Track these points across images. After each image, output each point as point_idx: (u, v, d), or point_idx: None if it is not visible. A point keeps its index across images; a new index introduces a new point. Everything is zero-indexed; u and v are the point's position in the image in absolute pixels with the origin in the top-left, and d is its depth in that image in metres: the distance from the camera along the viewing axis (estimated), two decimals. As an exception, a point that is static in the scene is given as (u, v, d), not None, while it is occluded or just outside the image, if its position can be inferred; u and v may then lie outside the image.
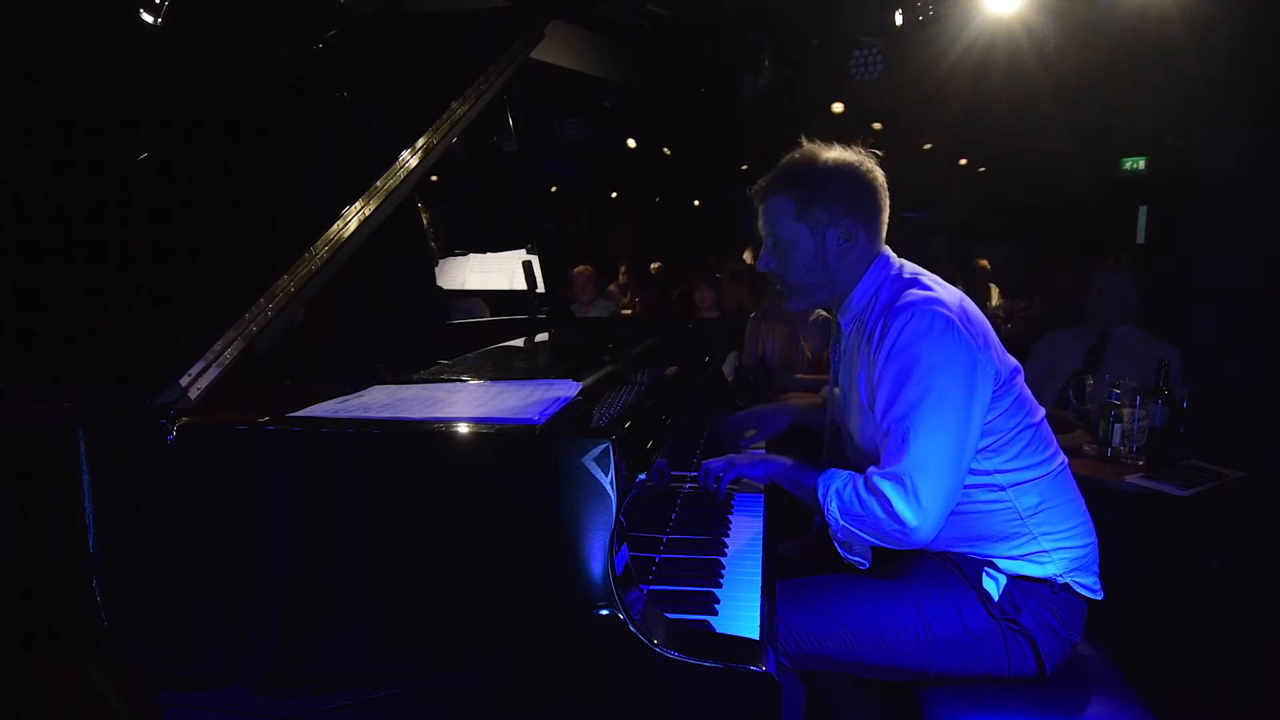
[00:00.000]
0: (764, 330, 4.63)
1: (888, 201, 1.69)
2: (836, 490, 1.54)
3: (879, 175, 1.68)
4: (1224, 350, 3.99)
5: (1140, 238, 6.40)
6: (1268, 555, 2.51)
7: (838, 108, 7.03)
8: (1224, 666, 2.39)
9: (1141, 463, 2.60)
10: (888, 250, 1.71)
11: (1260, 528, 2.54)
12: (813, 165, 1.65)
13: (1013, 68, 5.09)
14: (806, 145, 1.70)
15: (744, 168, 11.11)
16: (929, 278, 1.65)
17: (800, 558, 1.87)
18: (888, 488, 1.46)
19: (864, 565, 1.63)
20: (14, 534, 1.23)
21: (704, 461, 1.80)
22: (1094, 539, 1.65)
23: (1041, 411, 1.66)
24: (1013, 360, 1.63)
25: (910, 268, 1.69)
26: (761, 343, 4.60)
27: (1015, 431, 1.58)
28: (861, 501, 1.49)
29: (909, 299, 1.56)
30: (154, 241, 1.51)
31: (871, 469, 1.52)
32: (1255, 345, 3.88)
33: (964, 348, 1.50)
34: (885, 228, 1.70)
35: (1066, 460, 1.68)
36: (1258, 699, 2.30)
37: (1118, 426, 2.63)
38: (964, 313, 1.55)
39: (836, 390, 1.84)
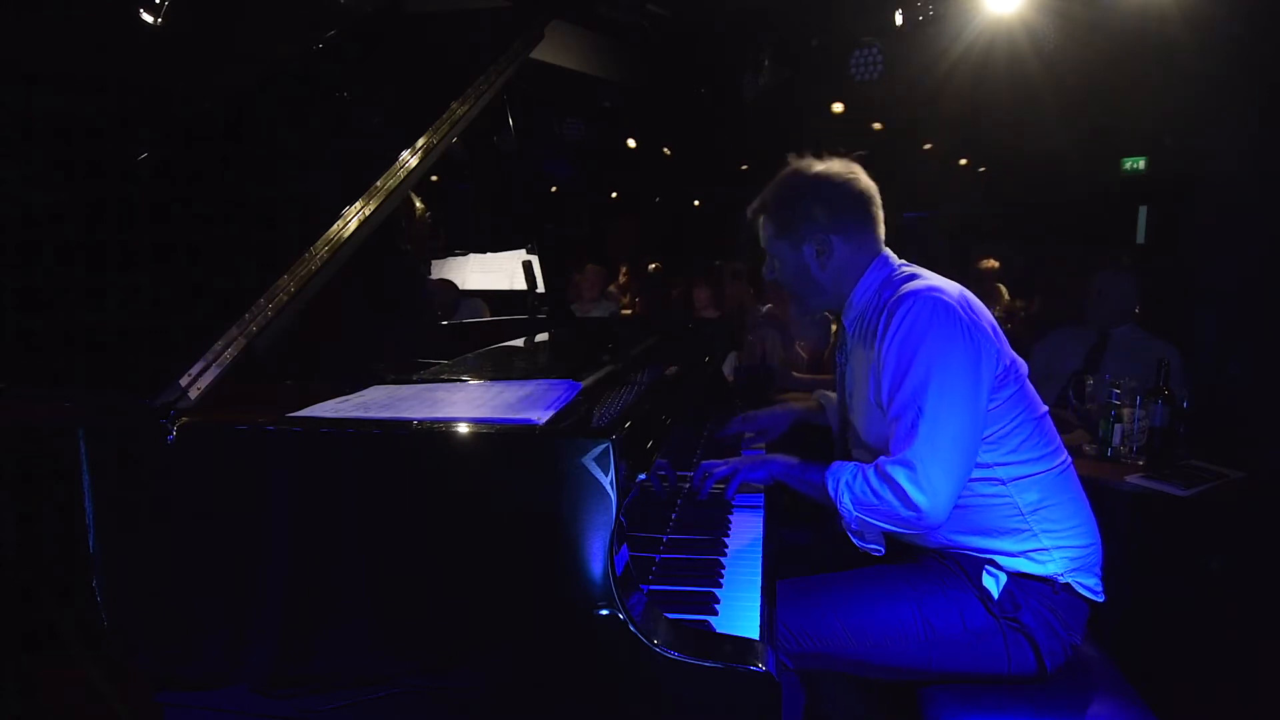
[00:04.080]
0: (763, 330, 4.63)
1: (877, 206, 1.73)
2: (847, 483, 1.55)
3: (862, 182, 1.72)
4: (1224, 350, 3.99)
5: (1140, 238, 6.40)
6: (1268, 555, 2.51)
7: (838, 108, 7.02)
8: (1224, 666, 2.39)
9: (1141, 463, 2.60)
10: (888, 251, 1.75)
11: (1260, 528, 2.54)
12: (790, 186, 1.72)
13: (1013, 68, 5.08)
14: (792, 163, 1.76)
15: (744, 168, 11.10)
16: (930, 274, 1.68)
17: (812, 548, 1.90)
18: (899, 474, 1.48)
19: (879, 552, 1.65)
20: (14, 534, 1.23)
21: (703, 462, 1.81)
22: (1096, 540, 1.65)
23: (1044, 408, 1.68)
24: (1017, 357, 1.65)
25: (911, 267, 1.73)
26: (761, 343, 4.60)
27: (1015, 424, 1.60)
28: (874, 490, 1.51)
29: (908, 289, 1.59)
30: (154, 241, 1.51)
31: (882, 457, 1.54)
32: (1255, 345, 3.87)
33: (964, 332, 1.53)
34: (879, 229, 1.74)
35: (1070, 460, 1.69)
36: (1258, 699, 2.29)
37: (1118, 426, 2.63)
38: (965, 300, 1.59)
39: (844, 393, 1.85)
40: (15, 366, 1.36)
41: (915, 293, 1.57)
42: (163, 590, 1.18)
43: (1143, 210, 6.42)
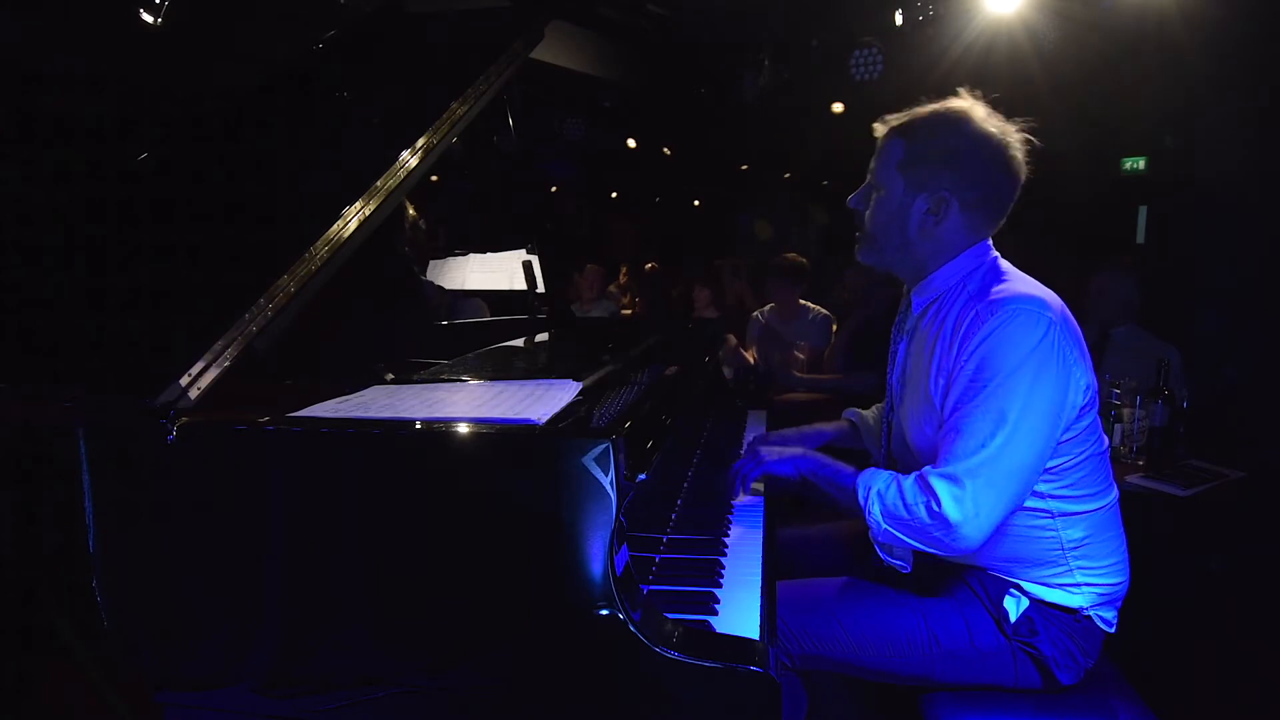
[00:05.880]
0: (764, 330, 4.63)
1: (1015, 194, 1.55)
2: (879, 492, 1.44)
3: (1018, 162, 1.53)
4: (1224, 350, 3.99)
5: (1140, 238, 6.38)
6: (1268, 555, 2.50)
7: (838, 108, 7.02)
8: (1224, 666, 2.39)
9: (1141, 463, 2.60)
10: (989, 240, 1.59)
11: (1260, 528, 2.54)
12: (949, 124, 1.53)
13: (1013, 68, 5.07)
14: (964, 100, 1.56)
15: (744, 168, 11.11)
16: (1026, 278, 1.53)
17: (807, 549, 1.85)
18: (943, 488, 1.36)
19: (905, 569, 1.57)
20: (14, 534, 1.23)
21: (735, 464, 1.78)
22: (1127, 578, 1.56)
23: (1106, 442, 1.57)
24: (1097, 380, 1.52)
25: (1005, 264, 1.57)
26: (761, 343, 4.60)
27: (1082, 458, 1.49)
28: (907, 505, 1.40)
29: (1007, 293, 1.44)
30: (154, 241, 1.51)
31: (928, 467, 1.42)
32: (1255, 345, 3.87)
33: (1061, 358, 1.40)
34: (999, 220, 1.57)
35: (1118, 495, 1.59)
36: (1258, 699, 2.29)
37: (1118, 426, 2.63)
38: (1065, 318, 1.45)
39: (892, 375, 1.73)
40: (15, 366, 1.36)
41: (1013, 300, 1.42)
42: (163, 590, 1.18)
43: (1143, 210, 6.41)
